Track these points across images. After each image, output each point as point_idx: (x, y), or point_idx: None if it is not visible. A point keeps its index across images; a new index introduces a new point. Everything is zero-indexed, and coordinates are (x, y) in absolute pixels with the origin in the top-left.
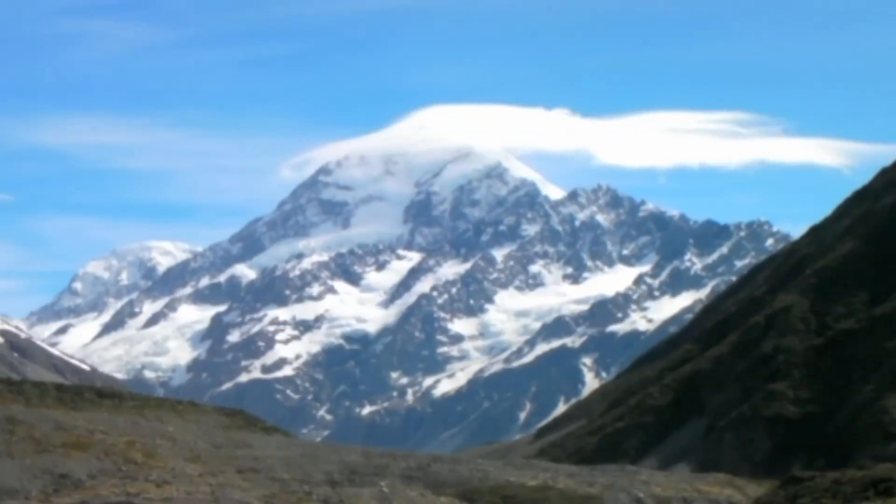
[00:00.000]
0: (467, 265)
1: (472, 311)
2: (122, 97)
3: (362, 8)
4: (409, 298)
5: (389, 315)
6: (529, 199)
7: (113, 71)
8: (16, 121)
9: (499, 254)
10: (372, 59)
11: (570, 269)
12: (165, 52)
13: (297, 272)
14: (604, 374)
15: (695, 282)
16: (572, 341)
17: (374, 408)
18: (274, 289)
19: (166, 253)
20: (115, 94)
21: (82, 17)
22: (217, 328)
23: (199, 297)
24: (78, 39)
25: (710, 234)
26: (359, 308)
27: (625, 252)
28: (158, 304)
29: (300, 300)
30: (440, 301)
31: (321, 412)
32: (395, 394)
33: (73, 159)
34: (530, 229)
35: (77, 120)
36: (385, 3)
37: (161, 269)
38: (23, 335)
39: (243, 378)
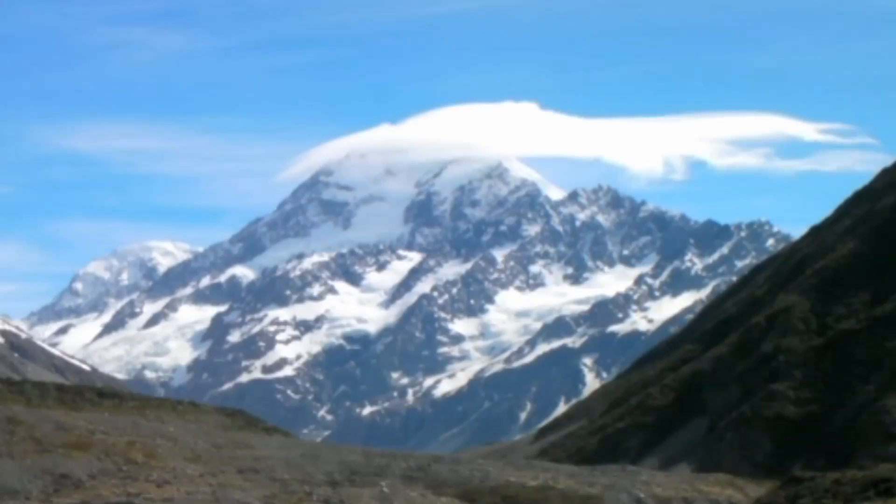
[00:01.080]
0: (468, 265)
1: (472, 312)
2: (157, 104)
3: (375, 18)
4: (410, 299)
5: (390, 315)
6: (530, 199)
7: (150, 78)
8: (52, 127)
9: (499, 254)
10: (374, 61)
11: (570, 270)
12: (203, 59)
13: (297, 272)
14: (604, 375)
15: (695, 282)
16: (573, 341)
17: (374, 408)
18: (274, 289)
19: (167, 253)
20: (151, 101)
21: (123, 26)
22: (217, 328)
23: (200, 298)
24: (118, 48)
25: (710, 235)
26: (359, 308)
27: (625, 252)
28: (159, 305)
29: (301, 300)
30: (441, 301)
31: (322, 412)
32: (395, 394)
33: (102, 164)
34: (531, 229)
35: (111, 126)
36: (396, 14)
37: (161, 270)
38: (23, 335)
39: (244, 378)
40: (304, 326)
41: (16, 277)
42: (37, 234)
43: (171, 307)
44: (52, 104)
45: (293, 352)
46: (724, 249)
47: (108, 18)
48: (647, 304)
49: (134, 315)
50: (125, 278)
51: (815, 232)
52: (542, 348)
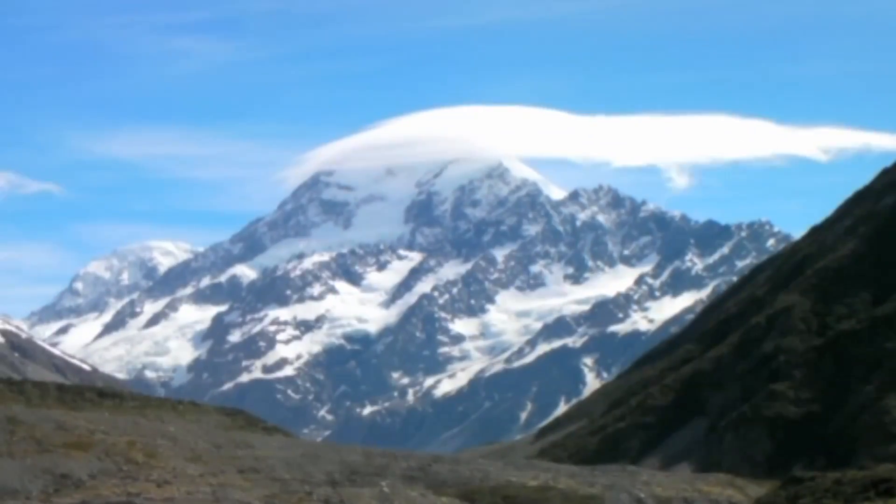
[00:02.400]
0: (468, 265)
1: (472, 312)
2: (198, 110)
3: (404, 29)
4: (410, 298)
5: (390, 315)
6: (531, 199)
7: (194, 86)
8: (94, 133)
9: (500, 254)
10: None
11: (571, 270)
12: (243, 68)
13: (298, 272)
14: (605, 375)
15: (696, 282)
16: (573, 341)
17: (374, 408)
18: (275, 289)
19: (167, 253)
20: (193, 108)
21: (170, 36)
22: (218, 328)
23: (200, 297)
24: (164, 56)
25: (711, 235)
26: (360, 308)
27: (626, 252)
28: (159, 304)
29: (301, 300)
30: (441, 301)
31: (322, 412)
32: (395, 394)
33: (135, 169)
34: (531, 229)
35: (151, 132)
36: (421, 25)
37: (162, 269)
38: (24, 335)
39: (244, 378)
40: (305, 326)
41: (38, 279)
42: (63, 238)
43: (172, 307)
44: (94, 111)
45: (293, 352)
46: (725, 249)
47: (156, 28)
48: (648, 304)
49: (134, 315)
50: (125, 278)
51: (816, 232)
52: (543, 348)
